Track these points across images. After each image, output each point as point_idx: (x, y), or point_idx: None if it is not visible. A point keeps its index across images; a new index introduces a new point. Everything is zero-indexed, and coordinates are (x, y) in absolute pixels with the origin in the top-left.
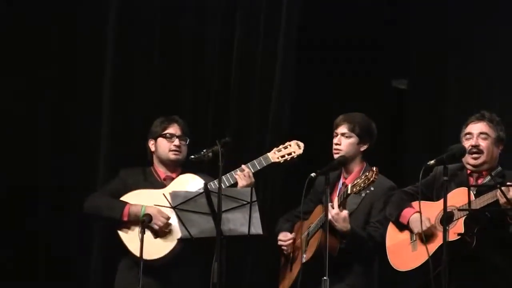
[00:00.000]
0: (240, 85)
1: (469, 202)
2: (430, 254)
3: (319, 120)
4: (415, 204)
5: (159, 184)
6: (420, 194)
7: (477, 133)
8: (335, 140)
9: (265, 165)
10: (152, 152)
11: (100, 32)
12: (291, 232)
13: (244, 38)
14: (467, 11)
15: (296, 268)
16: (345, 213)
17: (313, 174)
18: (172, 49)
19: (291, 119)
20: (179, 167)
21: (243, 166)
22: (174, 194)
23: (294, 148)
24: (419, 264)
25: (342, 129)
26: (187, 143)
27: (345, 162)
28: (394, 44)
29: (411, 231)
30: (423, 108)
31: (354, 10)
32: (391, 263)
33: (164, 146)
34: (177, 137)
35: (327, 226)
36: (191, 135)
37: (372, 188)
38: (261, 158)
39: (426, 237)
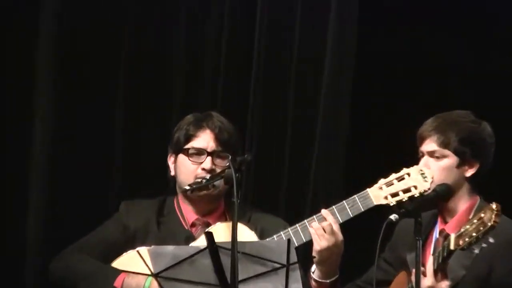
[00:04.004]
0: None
1: None
2: None
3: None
4: None
5: (184, 233)
6: None
7: None
8: (420, 164)
9: (362, 210)
10: (173, 176)
11: None
12: None
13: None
14: None
15: None
16: (445, 284)
17: (393, 217)
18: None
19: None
20: (220, 202)
21: (323, 212)
22: (155, 252)
23: (416, 179)
24: None
25: (429, 145)
26: (229, 163)
27: (448, 194)
28: None
29: None
30: None
31: None
32: None
33: (187, 170)
34: (209, 154)
35: None
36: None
37: (491, 240)
38: (356, 197)
39: None
